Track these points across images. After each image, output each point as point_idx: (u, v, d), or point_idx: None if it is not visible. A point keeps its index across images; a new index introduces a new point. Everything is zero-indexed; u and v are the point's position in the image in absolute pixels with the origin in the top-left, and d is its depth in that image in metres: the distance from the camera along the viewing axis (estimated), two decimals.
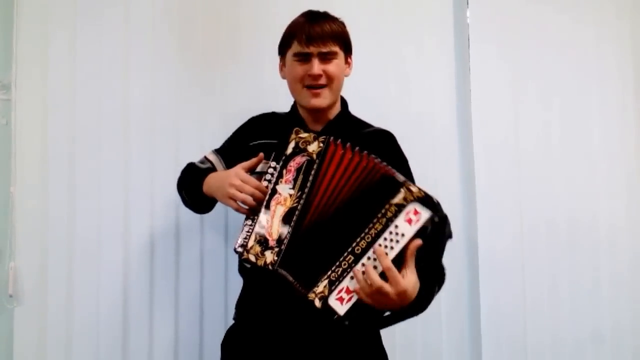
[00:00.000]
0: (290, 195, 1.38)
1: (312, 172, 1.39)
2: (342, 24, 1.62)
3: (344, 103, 1.69)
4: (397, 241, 1.27)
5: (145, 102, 1.97)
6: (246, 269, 1.59)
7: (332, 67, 1.57)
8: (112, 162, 1.95)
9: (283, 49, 1.63)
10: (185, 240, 1.98)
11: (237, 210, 1.42)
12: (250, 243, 1.37)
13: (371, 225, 1.30)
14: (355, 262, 1.29)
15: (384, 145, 1.61)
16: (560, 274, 2.17)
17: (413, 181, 1.50)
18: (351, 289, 1.28)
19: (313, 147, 1.41)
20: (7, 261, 1.88)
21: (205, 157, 1.69)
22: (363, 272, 1.27)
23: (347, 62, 1.64)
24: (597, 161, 2.22)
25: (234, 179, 1.43)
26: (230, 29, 2.03)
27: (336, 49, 1.57)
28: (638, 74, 2.25)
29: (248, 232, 1.39)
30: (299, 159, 1.41)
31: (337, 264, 1.31)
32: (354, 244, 1.31)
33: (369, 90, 2.03)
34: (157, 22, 2.00)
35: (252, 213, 1.41)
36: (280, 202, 1.38)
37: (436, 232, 1.29)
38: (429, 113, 2.13)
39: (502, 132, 2.18)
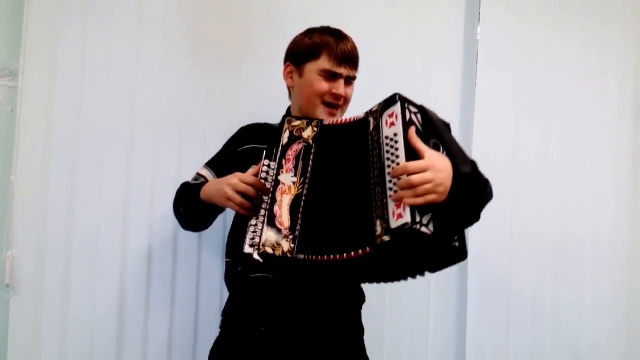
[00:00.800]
0: (294, 183, 1.40)
1: (311, 156, 1.42)
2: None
3: None
4: (396, 141, 1.29)
5: (153, 97, 1.97)
6: (232, 276, 1.62)
7: (350, 90, 1.63)
8: (115, 156, 1.94)
9: (303, 59, 1.63)
10: (183, 236, 1.97)
11: (237, 210, 1.42)
12: (264, 237, 1.36)
13: (370, 156, 1.34)
14: (383, 187, 1.28)
15: None
16: (544, 289, 2.26)
17: None
18: (398, 203, 1.25)
19: (308, 133, 1.44)
20: (4, 250, 1.86)
21: (197, 174, 1.70)
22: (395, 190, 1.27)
23: None
24: (588, 183, 2.32)
25: (231, 178, 1.44)
26: (242, 31, 2.03)
27: (356, 73, 1.64)
28: (636, 103, 2.34)
29: (254, 231, 1.38)
30: (296, 147, 1.43)
31: (374, 202, 1.29)
32: (371, 180, 1.32)
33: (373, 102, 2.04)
34: (169, 15, 1.99)
35: (253, 211, 1.40)
36: (285, 191, 1.40)
37: (422, 115, 1.34)
38: None
39: (500, 148, 2.24)
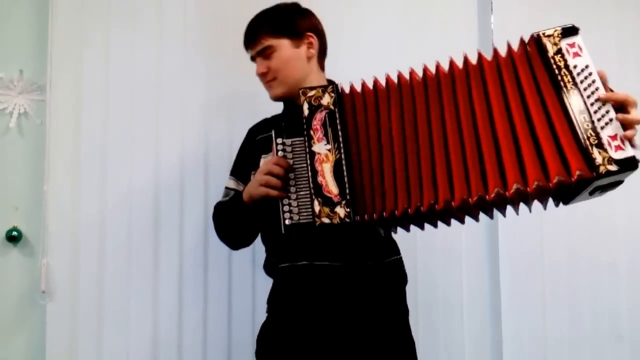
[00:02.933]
0: (329, 150, 1.40)
1: (337, 120, 1.42)
2: (280, 14, 1.65)
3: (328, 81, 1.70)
4: (590, 73, 1.29)
5: (177, 104, 2.02)
6: (272, 267, 1.63)
7: (273, 62, 1.62)
8: (144, 162, 2.00)
9: None
10: (214, 236, 1.96)
11: (268, 194, 1.43)
12: (316, 209, 1.37)
13: (562, 82, 1.30)
14: (589, 115, 1.27)
15: None
16: (579, 268, 2.22)
17: None
18: (612, 134, 1.25)
19: (326, 100, 1.43)
20: (40, 258, 1.91)
21: (226, 188, 1.72)
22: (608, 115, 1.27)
23: (305, 44, 1.64)
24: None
25: (260, 168, 1.48)
26: None
27: (270, 42, 1.61)
28: None
29: (289, 210, 1.40)
30: (319, 115, 1.42)
31: (581, 130, 1.26)
32: (570, 107, 1.28)
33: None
34: (189, 25, 2.05)
35: (284, 191, 1.41)
36: (324, 160, 1.40)
37: None
38: None
39: None
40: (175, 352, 1.97)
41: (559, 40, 1.32)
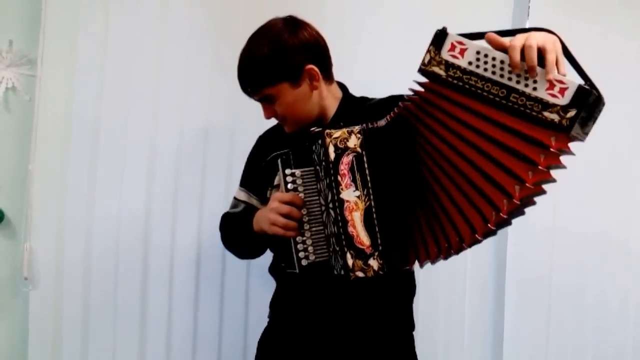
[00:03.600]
0: (359, 197, 1.34)
1: (366, 164, 1.35)
2: (270, 60, 1.47)
3: (342, 88, 1.63)
4: (486, 55, 1.22)
5: (176, 86, 1.92)
6: (277, 269, 1.59)
7: (278, 107, 1.51)
8: (137, 146, 1.90)
9: None
10: (207, 230, 1.94)
11: (284, 235, 1.38)
12: (349, 262, 1.32)
13: (478, 89, 1.22)
14: (516, 91, 1.19)
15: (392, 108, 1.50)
16: (587, 289, 2.17)
17: None
18: (546, 86, 1.16)
19: (353, 142, 1.36)
20: (23, 241, 1.82)
21: (235, 199, 1.67)
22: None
23: (305, 81, 1.50)
24: (633, 174, 2.22)
25: (272, 202, 1.41)
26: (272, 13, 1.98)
27: (269, 91, 1.49)
28: None
29: (304, 249, 1.37)
30: (346, 159, 1.35)
31: (526, 109, 1.19)
32: (500, 99, 1.21)
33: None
34: (194, 2, 1.94)
35: (298, 230, 1.38)
36: (353, 209, 1.34)
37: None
38: None
39: None
40: (164, 342, 1.91)
41: (439, 57, 1.26)
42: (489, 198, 1.21)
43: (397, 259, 1.33)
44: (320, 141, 1.36)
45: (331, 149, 1.35)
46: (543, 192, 1.21)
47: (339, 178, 1.34)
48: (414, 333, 1.58)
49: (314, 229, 1.38)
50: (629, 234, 2.19)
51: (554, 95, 1.15)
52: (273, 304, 1.62)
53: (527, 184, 1.18)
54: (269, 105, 1.51)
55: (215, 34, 1.96)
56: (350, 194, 1.34)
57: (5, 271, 1.84)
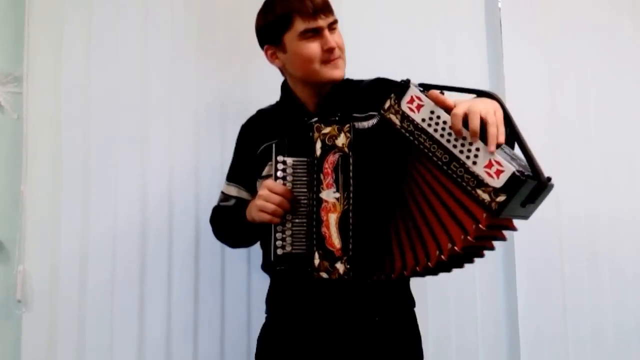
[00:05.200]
0: (338, 199, 1.31)
1: (350, 166, 1.31)
2: None
3: None
4: (438, 116, 1.22)
5: (163, 98, 1.89)
6: (270, 266, 1.52)
7: (339, 36, 1.51)
8: (128, 161, 1.87)
9: (278, 34, 1.51)
10: (205, 240, 1.87)
11: (271, 222, 1.36)
12: (316, 262, 1.31)
13: (423, 146, 1.23)
14: (457, 160, 1.19)
15: (383, 90, 1.46)
16: (601, 266, 2.08)
17: None
18: (490, 163, 1.16)
19: (341, 140, 1.32)
20: (16, 264, 1.80)
21: (224, 194, 1.65)
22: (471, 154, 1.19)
23: None
24: (636, 152, 2.12)
25: (262, 190, 1.38)
26: (251, 21, 1.92)
27: (334, 17, 1.51)
28: None
29: (282, 238, 1.35)
30: (332, 158, 1.32)
31: (459, 179, 1.19)
32: (442, 162, 1.21)
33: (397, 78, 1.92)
34: (176, 13, 1.92)
35: (282, 219, 1.36)
36: (330, 210, 1.31)
37: (424, 87, 1.28)
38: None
39: (536, 120, 2.07)
40: None
41: (398, 106, 1.27)
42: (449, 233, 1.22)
43: (368, 267, 1.30)
44: (310, 133, 1.35)
45: (318, 144, 1.34)
46: (491, 248, 1.24)
47: (322, 176, 1.33)
48: (414, 310, 1.56)
49: (296, 220, 1.37)
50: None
51: (489, 175, 1.16)
52: (269, 300, 1.61)
53: (468, 238, 1.18)
54: (332, 33, 1.49)
55: (196, 38, 1.93)
56: (330, 195, 1.33)
57: None
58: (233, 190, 1.63)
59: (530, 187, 1.15)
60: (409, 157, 1.26)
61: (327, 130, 1.33)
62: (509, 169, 1.13)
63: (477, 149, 1.17)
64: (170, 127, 1.89)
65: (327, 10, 1.48)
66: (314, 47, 1.47)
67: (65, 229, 1.82)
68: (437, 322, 1.97)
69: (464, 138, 1.18)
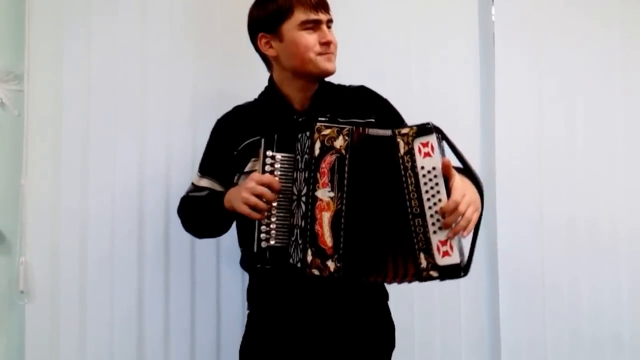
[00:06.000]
0: (332, 199, 1.36)
1: (346, 168, 1.36)
2: None
3: None
4: (435, 176, 1.31)
5: (162, 94, 1.93)
6: (249, 264, 1.58)
7: (334, 35, 1.56)
8: (127, 156, 1.91)
9: (276, 22, 1.55)
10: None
11: (249, 215, 1.38)
12: (308, 259, 1.35)
13: (405, 185, 1.32)
14: (424, 219, 1.30)
15: (366, 99, 1.63)
16: (580, 274, 2.17)
17: (402, 118, 1.59)
18: (442, 239, 1.30)
19: (340, 142, 1.37)
20: (18, 256, 1.84)
21: (194, 185, 1.65)
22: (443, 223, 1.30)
23: None
24: (620, 161, 2.22)
25: (249, 182, 1.40)
26: None
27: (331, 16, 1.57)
28: None
29: (267, 231, 1.39)
30: (329, 158, 1.37)
31: (414, 234, 1.31)
32: (410, 210, 1.32)
33: (391, 85, 1.94)
34: (175, 12, 1.95)
35: (265, 214, 1.38)
36: (324, 208, 1.36)
37: (445, 141, 1.36)
38: (452, 109, 2.10)
39: (525, 130, 2.16)
40: (162, 355, 1.90)
41: (412, 140, 1.33)
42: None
43: (357, 268, 1.35)
44: (308, 133, 1.38)
45: (317, 145, 1.38)
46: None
47: (318, 175, 1.37)
48: (388, 302, 1.62)
49: (280, 214, 1.39)
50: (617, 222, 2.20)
51: (438, 250, 1.30)
52: (250, 296, 1.62)
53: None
54: (329, 31, 1.55)
55: (194, 35, 1.97)
56: (324, 193, 1.37)
57: (1, 286, 1.85)
58: (205, 182, 1.63)
59: (455, 274, 1.30)
60: (392, 181, 1.34)
61: (327, 132, 1.37)
62: (456, 258, 1.29)
63: (441, 223, 1.29)
64: (168, 123, 1.93)
65: (327, 7, 1.55)
66: (312, 39, 1.52)
67: (64, 221, 1.86)
68: (423, 325, 2.07)
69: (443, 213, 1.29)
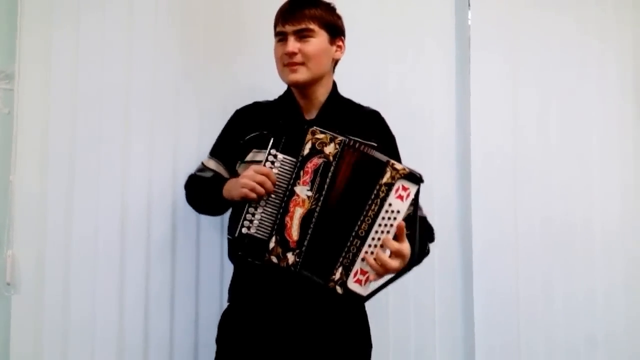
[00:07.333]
0: (308, 197, 1.42)
1: (330, 174, 1.42)
2: (328, 8, 1.66)
3: (334, 85, 1.72)
4: (395, 218, 1.39)
5: (147, 94, 1.99)
6: (237, 255, 1.61)
7: (309, 47, 1.59)
8: (112, 154, 1.96)
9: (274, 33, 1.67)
10: (181, 229, 2.00)
11: (246, 196, 1.44)
12: (270, 245, 1.41)
13: (368, 207, 1.39)
14: (362, 244, 1.39)
15: (374, 124, 1.70)
16: (554, 276, 2.21)
17: (399, 158, 1.62)
18: (365, 269, 1.39)
19: (330, 149, 1.43)
20: (5, 249, 1.88)
21: (203, 165, 1.74)
22: (373, 256, 1.39)
23: (335, 45, 1.67)
24: (593, 164, 2.26)
25: (248, 171, 1.47)
26: (233, 23, 2.05)
27: (313, 26, 1.60)
28: (638, 79, 2.29)
29: (251, 219, 1.44)
30: (316, 160, 1.43)
31: (347, 249, 1.39)
32: (357, 229, 1.39)
33: (367, 88, 2.03)
34: (160, 15, 2.01)
35: (258, 200, 1.44)
36: (299, 204, 1.42)
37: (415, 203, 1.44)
38: (428, 111, 2.16)
39: (499, 133, 2.21)
40: (142, 349, 1.95)
41: (398, 178, 1.40)
42: None
43: (316, 268, 1.42)
44: (304, 134, 1.45)
45: (308, 145, 1.44)
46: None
47: (302, 172, 1.43)
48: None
49: (267, 209, 1.45)
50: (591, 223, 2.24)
51: (355, 273, 1.41)
52: (232, 288, 1.69)
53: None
54: (297, 42, 1.59)
55: (180, 37, 2.02)
56: (303, 190, 1.43)
57: None
58: (212, 164, 1.72)
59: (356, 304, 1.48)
60: (360, 199, 1.41)
61: (320, 136, 1.44)
62: (364, 291, 1.42)
63: (374, 258, 1.39)
64: (151, 124, 1.98)
65: (297, 18, 1.59)
66: (278, 50, 1.62)
67: (51, 216, 1.91)
68: (397, 324, 2.11)
69: (382, 246, 1.40)
